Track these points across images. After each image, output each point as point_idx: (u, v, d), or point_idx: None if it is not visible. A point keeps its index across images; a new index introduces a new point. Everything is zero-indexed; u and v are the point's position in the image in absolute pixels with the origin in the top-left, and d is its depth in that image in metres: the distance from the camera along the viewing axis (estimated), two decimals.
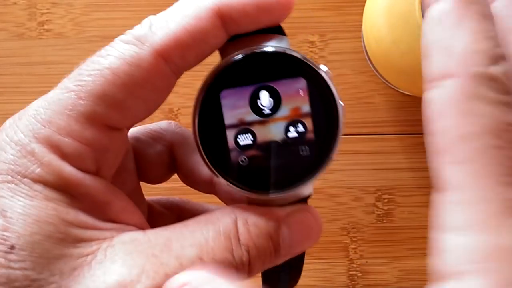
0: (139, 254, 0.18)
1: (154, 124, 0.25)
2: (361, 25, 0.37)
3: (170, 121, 0.25)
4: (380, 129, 0.39)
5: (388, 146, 0.39)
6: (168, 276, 0.17)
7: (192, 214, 0.26)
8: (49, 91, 0.17)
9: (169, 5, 0.19)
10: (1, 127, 0.19)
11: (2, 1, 0.40)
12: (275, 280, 0.25)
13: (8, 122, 0.19)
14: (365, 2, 0.35)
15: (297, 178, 0.20)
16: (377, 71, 0.37)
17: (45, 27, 0.39)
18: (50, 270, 0.17)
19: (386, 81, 0.37)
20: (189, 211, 0.26)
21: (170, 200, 0.26)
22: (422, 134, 0.39)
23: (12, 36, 0.39)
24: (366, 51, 0.37)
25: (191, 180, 0.25)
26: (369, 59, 0.37)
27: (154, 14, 0.19)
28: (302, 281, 0.27)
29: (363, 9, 0.35)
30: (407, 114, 0.39)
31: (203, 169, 0.24)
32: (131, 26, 0.18)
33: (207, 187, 0.25)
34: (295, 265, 0.24)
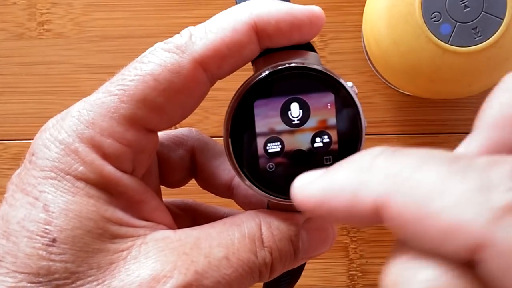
0: (171, 252, 0.19)
1: (176, 130, 0.25)
2: (361, 25, 0.37)
3: (191, 128, 0.26)
4: (380, 129, 0.39)
5: (388, 146, 0.39)
6: (198, 273, 0.18)
7: (205, 216, 0.27)
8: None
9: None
10: (43, 127, 0.20)
11: (2, 1, 0.40)
12: (276, 285, 0.25)
13: (51, 122, 0.20)
14: (365, 2, 0.35)
15: None
16: (377, 71, 0.37)
17: (45, 27, 0.39)
18: (88, 263, 0.18)
19: (386, 81, 0.37)
20: (203, 213, 0.27)
21: (184, 202, 0.27)
22: (422, 134, 0.39)
23: (12, 36, 0.39)
24: (366, 51, 0.37)
25: (210, 184, 0.25)
26: (369, 59, 0.37)
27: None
28: (301, 281, 0.27)
29: (363, 9, 0.35)
30: (407, 114, 0.39)
31: (222, 174, 0.25)
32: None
33: (225, 192, 0.25)
34: (296, 271, 0.24)
